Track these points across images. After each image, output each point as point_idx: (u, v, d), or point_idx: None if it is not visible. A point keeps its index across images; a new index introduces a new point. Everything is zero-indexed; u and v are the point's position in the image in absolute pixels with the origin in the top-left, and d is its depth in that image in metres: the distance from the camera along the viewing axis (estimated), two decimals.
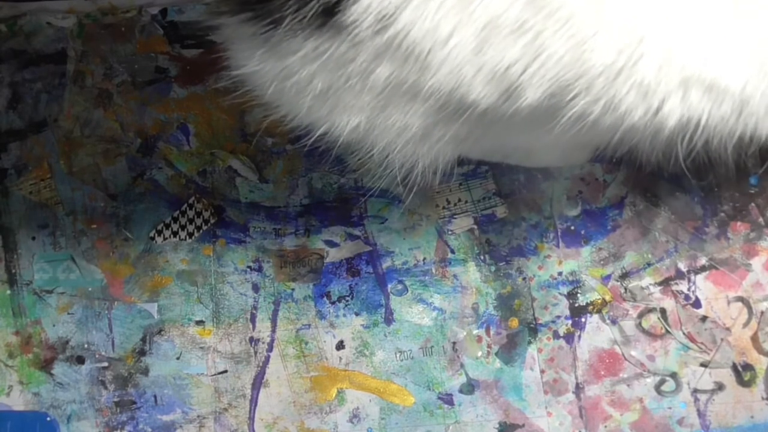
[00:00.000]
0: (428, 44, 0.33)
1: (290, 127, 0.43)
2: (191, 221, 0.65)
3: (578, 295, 0.60)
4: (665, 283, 0.60)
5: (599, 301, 0.60)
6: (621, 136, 0.36)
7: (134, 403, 0.63)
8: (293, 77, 0.38)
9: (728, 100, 0.33)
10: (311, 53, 0.36)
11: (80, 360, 0.64)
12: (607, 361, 0.60)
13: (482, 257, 0.62)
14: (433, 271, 0.62)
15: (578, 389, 0.60)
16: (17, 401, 0.65)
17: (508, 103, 0.34)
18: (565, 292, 0.61)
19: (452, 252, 0.62)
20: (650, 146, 0.40)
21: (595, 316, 0.60)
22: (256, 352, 0.63)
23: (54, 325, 0.65)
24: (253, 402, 0.63)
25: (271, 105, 0.43)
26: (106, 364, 0.64)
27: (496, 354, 0.61)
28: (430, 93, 0.35)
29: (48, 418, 0.64)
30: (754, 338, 0.58)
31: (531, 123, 0.37)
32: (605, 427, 0.59)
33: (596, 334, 0.60)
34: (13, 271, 0.66)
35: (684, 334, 0.59)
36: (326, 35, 0.35)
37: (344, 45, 0.35)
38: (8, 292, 0.66)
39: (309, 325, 0.63)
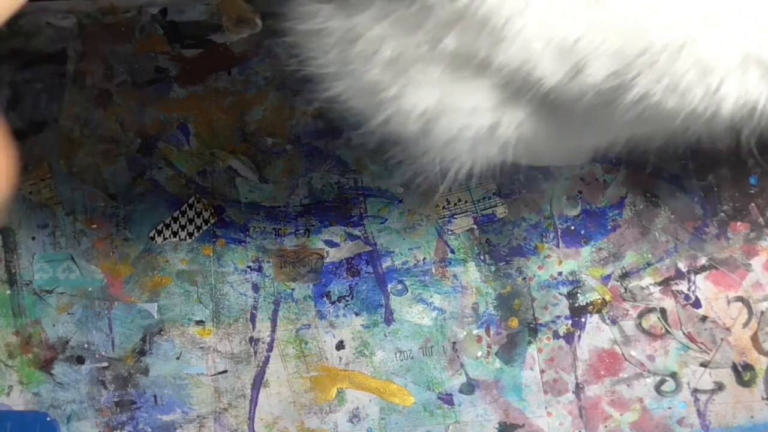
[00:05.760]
0: (506, 14, 0.31)
1: (342, 110, 0.39)
2: (191, 221, 0.65)
3: (578, 295, 0.60)
4: (665, 283, 0.60)
5: (599, 301, 0.60)
6: (680, 124, 0.35)
7: (134, 403, 0.63)
8: (360, 40, 0.35)
9: None
10: (380, 11, 0.33)
11: (80, 360, 0.64)
12: (607, 361, 0.60)
13: (482, 257, 0.62)
14: (433, 271, 0.62)
15: (578, 389, 0.60)
16: (17, 401, 0.65)
17: (573, 82, 0.33)
18: (565, 292, 0.61)
19: (452, 252, 0.62)
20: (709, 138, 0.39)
21: (595, 316, 0.60)
22: (256, 352, 0.63)
23: (54, 325, 0.65)
24: (253, 402, 0.63)
25: (328, 78, 0.39)
26: (106, 364, 0.64)
27: (496, 354, 0.61)
28: (497, 69, 0.33)
29: (48, 418, 0.64)
30: (754, 338, 0.58)
31: (593, 109, 0.36)
32: (605, 427, 0.59)
33: (596, 334, 0.60)
34: (13, 271, 0.66)
35: (684, 334, 0.59)
36: None
37: (415, 6, 0.32)
38: (8, 292, 0.66)
39: (309, 325, 0.63)
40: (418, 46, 0.34)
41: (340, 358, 0.62)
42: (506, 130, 0.38)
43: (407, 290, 0.62)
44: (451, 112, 0.37)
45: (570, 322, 0.60)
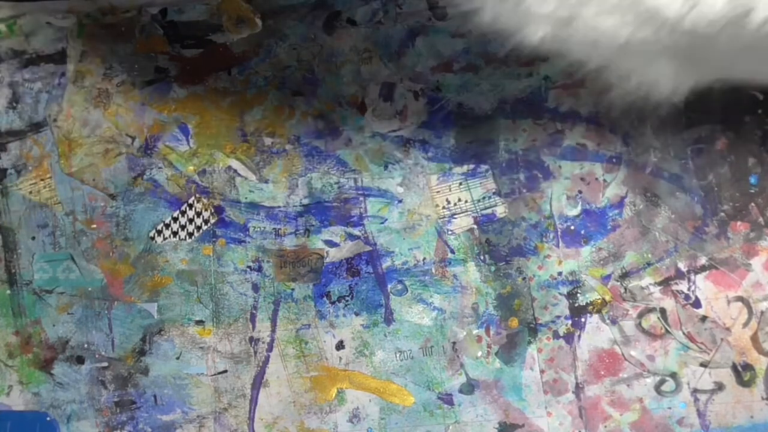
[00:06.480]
0: None
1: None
2: (191, 221, 0.65)
3: (578, 295, 0.60)
4: (665, 283, 0.60)
5: (599, 301, 0.60)
6: None
7: (134, 403, 0.64)
8: None
9: None
10: None
11: (80, 360, 0.64)
12: (607, 361, 0.60)
13: (482, 257, 0.62)
14: (433, 271, 0.62)
15: (578, 389, 0.60)
16: (17, 401, 0.65)
17: (693, 12, 0.34)
18: (565, 292, 0.61)
19: (452, 252, 0.62)
20: None
21: (595, 316, 0.60)
22: (256, 352, 0.63)
23: (54, 325, 0.65)
24: (253, 402, 0.63)
25: None
26: (106, 364, 0.64)
27: (496, 354, 0.61)
28: None
29: (48, 418, 0.64)
30: (754, 338, 0.58)
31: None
32: (605, 427, 0.59)
33: (596, 334, 0.60)
34: (13, 271, 0.66)
35: (684, 334, 0.59)
36: None
37: None
38: (8, 292, 0.66)
39: (309, 325, 0.63)
40: None
41: (340, 358, 0.62)
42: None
43: (407, 290, 0.62)
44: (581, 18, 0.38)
45: (570, 322, 0.60)
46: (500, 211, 0.62)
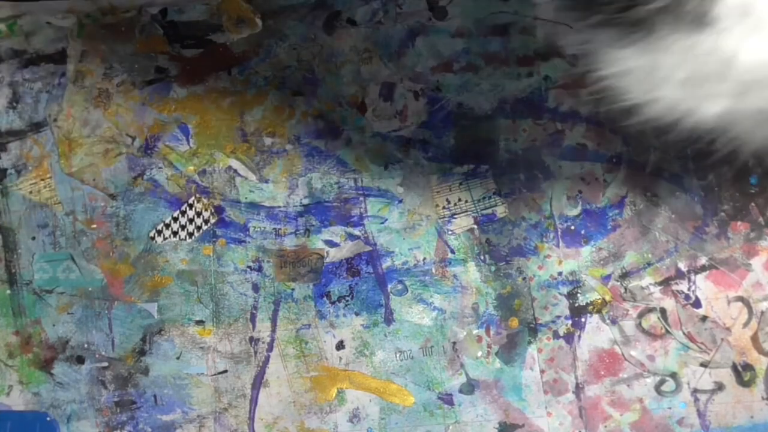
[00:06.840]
0: None
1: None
2: (191, 221, 0.65)
3: (578, 295, 0.60)
4: (665, 283, 0.60)
5: (599, 301, 0.60)
6: None
7: (134, 403, 0.64)
8: None
9: None
10: None
11: (80, 360, 0.64)
12: (607, 361, 0.60)
13: (482, 257, 0.62)
14: (433, 271, 0.62)
15: (578, 389, 0.60)
16: (17, 401, 0.65)
17: None
18: (565, 292, 0.61)
19: (452, 252, 0.62)
20: None
21: (595, 316, 0.60)
22: (256, 352, 0.63)
23: (54, 325, 0.65)
24: (253, 402, 0.63)
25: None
26: (106, 364, 0.64)
27: (496, 354, 0.61)
28: None
29: (48, 418, 0.64)
30: (754, 338, 0.58)
31: None
32: (605, 427, 0.59)
33: (596, 334, 0.60)
34: (13, 270, 0.66)
35: (684, 334, 0.59)
36: None
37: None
38: (8, 292, 0.66)
39: (309, 325, 0.63)
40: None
41: (340, 358, 0.62)
42: None
43: (407, 290, 0.62)
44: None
45: (570, 322, 0.60)
46: (500, 211, 0.62)
